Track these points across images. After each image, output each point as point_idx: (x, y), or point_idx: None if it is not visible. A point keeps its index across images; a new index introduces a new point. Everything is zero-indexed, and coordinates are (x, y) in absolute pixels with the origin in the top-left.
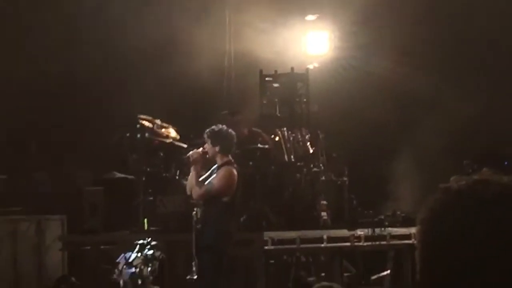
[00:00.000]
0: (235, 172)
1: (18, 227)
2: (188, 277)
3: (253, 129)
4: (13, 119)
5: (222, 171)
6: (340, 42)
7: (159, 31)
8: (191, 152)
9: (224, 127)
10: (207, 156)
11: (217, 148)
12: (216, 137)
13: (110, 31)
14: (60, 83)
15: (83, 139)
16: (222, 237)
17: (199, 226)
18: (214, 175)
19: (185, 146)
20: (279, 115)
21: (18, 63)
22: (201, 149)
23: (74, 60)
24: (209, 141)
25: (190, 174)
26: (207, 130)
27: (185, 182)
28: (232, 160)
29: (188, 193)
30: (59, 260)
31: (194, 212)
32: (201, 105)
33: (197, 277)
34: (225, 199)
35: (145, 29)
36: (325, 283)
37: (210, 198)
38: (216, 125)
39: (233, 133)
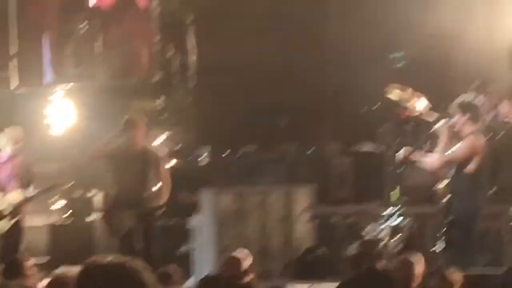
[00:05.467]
0: (481, 141)
1: (267, 198)
2: (433, 249)
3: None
4: (261, 93)
5: (467, 140)
6: None
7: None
8: (440, 123)
9: (473, 96)
10: (455, 128)
11: (465, 118)
12: (464, 107)
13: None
14: (309, 54)
15: (331, 111)
16: (470, 211)
17: (446, 199)
18: (459, 144)
19: (434, 117)
20: None
21: (263, 37)
22: (449, 120)
23: (323, 34)
24: (457, 111)
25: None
26: (456, 100)
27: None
28: (479, 130)
29: (433, 165)
30: (307, 231)
31: (441, 185)
32: (451, 76)
33: (444, 251)
34: (470, 170)
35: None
36: None
37: (455, 168)
38: (464, 95)
39: (481, 103)
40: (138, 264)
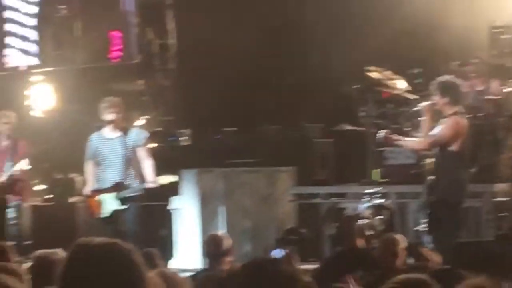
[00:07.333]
0: (463, 121)
1: (248, 179)
2: (416, 228)
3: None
4: (242, 74)
5: (450, 120)
6: None
7: None
8: (421, 104)
9: (452, 77)
10: (436, 107)
11: (445, 100)
12: (444, 88)
13: None
14: (289, 36)
15: (313, 92)
16: (455, 188)
17: (431, 178)
18: (442, 125)
19: (415, 97)
20: (509, 66)
21: (243, 18)
22: (430, 101)
23: (302, 14)
24: (437, 93)
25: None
26: (435, 81)
27: (415, 134)
28: (461, 111)
29: (420, 147)
30: (289, 211)
31: (427, 163)
32: (431, 57)
33: (432, 230)
34: (454, 148)
35: None
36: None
37: (439, 148)
38: (444, 76)
39: (461, 83)
40: (127, 245)
